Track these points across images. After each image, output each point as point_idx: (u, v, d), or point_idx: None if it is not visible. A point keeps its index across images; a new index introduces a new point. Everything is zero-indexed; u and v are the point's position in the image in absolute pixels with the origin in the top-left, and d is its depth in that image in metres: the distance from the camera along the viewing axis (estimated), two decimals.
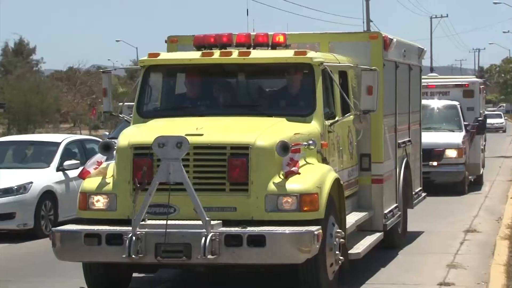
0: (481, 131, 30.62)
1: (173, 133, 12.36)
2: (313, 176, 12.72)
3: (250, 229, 11.99)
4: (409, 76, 19.04)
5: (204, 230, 11.69)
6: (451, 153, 27.70)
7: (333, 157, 14.25)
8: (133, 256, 11.77)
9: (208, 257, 11.62)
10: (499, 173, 37.08)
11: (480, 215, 24.55)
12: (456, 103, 29.88)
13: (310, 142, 13.07)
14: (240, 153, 12.46)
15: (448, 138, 28.20)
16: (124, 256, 11.81)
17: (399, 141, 17.73)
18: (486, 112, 42.13)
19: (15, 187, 21.91)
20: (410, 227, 20.32)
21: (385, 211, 16.16)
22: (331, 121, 14.06)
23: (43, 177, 22.79)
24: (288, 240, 11.84)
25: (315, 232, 11.97)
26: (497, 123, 79.36)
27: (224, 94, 14.72)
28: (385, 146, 16.32)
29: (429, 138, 26.43)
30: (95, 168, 13.21)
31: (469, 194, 27.88)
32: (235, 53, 14.05)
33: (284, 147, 12.33)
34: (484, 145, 34.51)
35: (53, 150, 24.08)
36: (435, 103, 30.03)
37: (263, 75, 14.63)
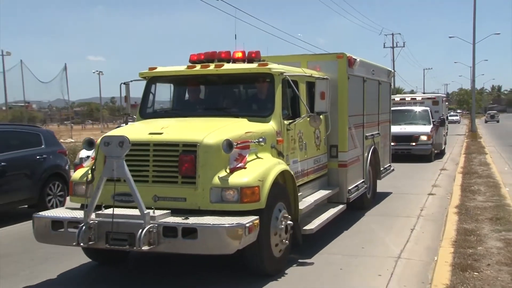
0: (442, 124, 24.39)
1: (142, 132, 6.82)
2: (257, 170, 6.55)
3: (187, 221, 6.02)
4: (379, 89, 12.26)
5: (143, 222, 5.83)
6: (423, 138, 21.77)
7: (293, 150, 7.96)
8: (81, 244, 6.02)
9: (143, 248, 5.78)
10: (456, 142, 32.09)
11: (447, 162, 21.23)
12: (427, 108, 24.02)
13: (260, 139, 6.96)
14: (189, 150, 6.44)
15: (422, 129, 22.20)
16: (74, 243, 6.03)
17: (367, 134, 11.15)
18: (447, 114, 35.80)
19: None
20: (408, 172, 17.60)
21: (349, 188, 9.79)
22: (289, 121, 7.77)
23: None
24: (217, 233, 5.86)
25: (246, 225, 5.97)
26: (455, 119, 73.19)
27: (204, 99, 8.52)
28: (351, 139, 9.93)
29: (411, 128, 22.08)
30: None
31: (435, 161, 21.90)
32: (212, 66, 7.96)
33: (229, 145, 6.37)
34: (447, 132, 29.06)
35: None
36: (416, 108, 24.12)
37: (235, 83, 8.34)
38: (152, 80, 8.26)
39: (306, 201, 7.96)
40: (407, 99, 25.74)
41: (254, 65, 7.70)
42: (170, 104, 8.54)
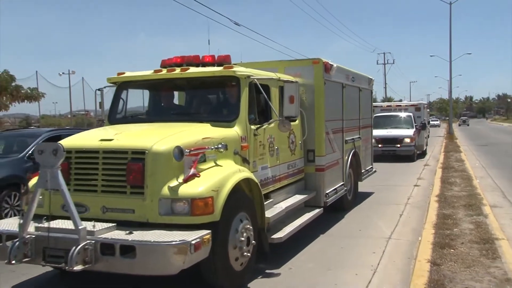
0: (424, 128, 22.28)
1: (94, 139, 5.07)
2: (212, 179, 4.84)
3: (128, 237, 4.31)
4: (359, 95, 10.37)
5: (77, 237, 4.17)
6: (407, 140, 19.80)
7: (262, 155, 6.18)
8: (13, 262, 4.29)
9: (75, 268, 4.06)
10: (437, 143, 30.32)
11: (430, 159, 19.93)
12: (411, 114, 22.01)
13: (220, 145, 5.25)
14: (137, 157, 4.74)
15: (406, 132, 20.27)
16: (6, 261, 4.33)
17: (347, 138, 9.32)
18: (429, 119, 33.95)
19: None
20: (397, 168, 16.41)
21: (327, 191, 8.01)
22: (257, 126, 6.02)
23: None
24: (157, 252, 4.12)
25: (192, 242, 4.22)
26: (436, 123, 69.89)
27: (172, 104, 6.79)
28: (328, 143, 8.16)
29: (396, 132, 20.14)
30: None
31: (417, 161, 19.83)
32: (177, 70, 6.24)
33: (180, 152, 4.67)
34: (428, 135, 26.74)
35: None
36: (400, 114, 22.07)
37: (202, 87, 6.52)
38: (122, 85, 6.58)
39: (277, 208, 6.26)
40: (393, 105, 23.98)
41: (219, 68, 6.01)
42: (128, 108, 6.78)
